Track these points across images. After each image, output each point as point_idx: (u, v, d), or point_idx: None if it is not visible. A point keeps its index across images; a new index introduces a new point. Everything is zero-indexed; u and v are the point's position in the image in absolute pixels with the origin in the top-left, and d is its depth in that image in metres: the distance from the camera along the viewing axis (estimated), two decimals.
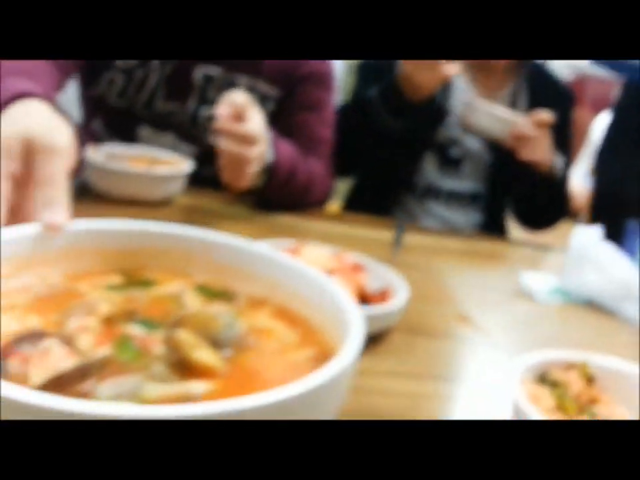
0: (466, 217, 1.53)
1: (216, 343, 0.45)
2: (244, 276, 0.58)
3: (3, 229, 0.50)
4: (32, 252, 0.52)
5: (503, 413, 0.58)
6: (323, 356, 0.48)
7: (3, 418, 0.30)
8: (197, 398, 0.39)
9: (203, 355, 0.42)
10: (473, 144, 1.39)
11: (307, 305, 0.53)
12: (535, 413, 0.44)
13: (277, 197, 1.07)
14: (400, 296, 0.70)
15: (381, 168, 1.43)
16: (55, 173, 0.54)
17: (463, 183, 1.46)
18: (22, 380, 0.38)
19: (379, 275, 0.77)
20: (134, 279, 0.57)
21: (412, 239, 1.12)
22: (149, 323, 0.47)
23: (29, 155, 0.54)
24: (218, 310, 0.46)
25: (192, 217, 1.07)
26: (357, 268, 0.78)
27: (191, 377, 0.42)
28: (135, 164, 1.03)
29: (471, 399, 0.65)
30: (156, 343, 0.44)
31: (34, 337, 0.42)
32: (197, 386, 0.40)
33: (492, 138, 1.27)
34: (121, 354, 0.42)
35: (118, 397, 0.37)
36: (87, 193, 1.03)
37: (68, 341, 0.42)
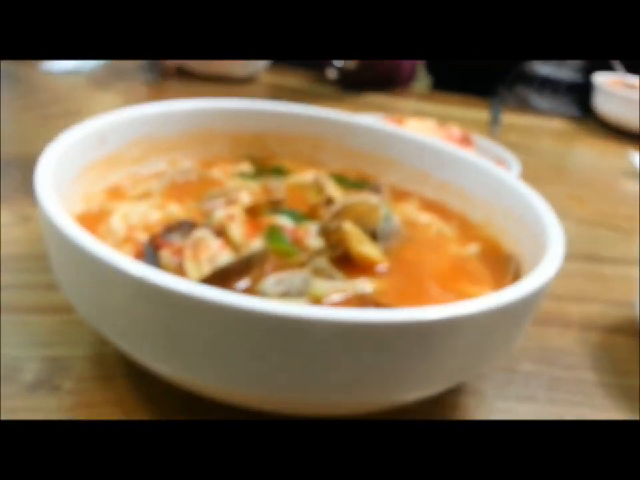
0: (559, 106, 1.40)
1: (373, 236, 0.40)
2: (384, 164, 0.52)
3: (128, 109, 0.46)
4: (160, 133, 0.48)
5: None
6: (491, 252, 0.42)
7: (161, 312, 0.27)
8: (368, 297, 0.35)
9: (369, 249, 0.38)
10: None
11: (462, 196, 0.47)
12: None
13: (366, 74, 1.01)
14: (513, 171, 0.63)
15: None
16: None
17: (562, 71, 1.30)
18: (178, 273, 0.35)
19: (486, 150, 0.70)
20: (265, 168, 0.52)
21: (509, 119, 1.04)
22: (295, 214, 0.43)
23: None
24: (377, 200, 0.41)
25: (277, 95, 1.01)
26: (465, 140, 0.72)
27: (353, 273, 0.37)
28: None
29: (601, 277, 0.60)
30: (309, 235, 0.40)
31: (183, 227, 0.38)
32: (366, 283, 0.36)
33: None
34: (274, 246, 0.38)
35: (286, 294, 0.33)
36: (170, 70, 1.00)
37: (219, 232, 0.38)
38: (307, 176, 0.51)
